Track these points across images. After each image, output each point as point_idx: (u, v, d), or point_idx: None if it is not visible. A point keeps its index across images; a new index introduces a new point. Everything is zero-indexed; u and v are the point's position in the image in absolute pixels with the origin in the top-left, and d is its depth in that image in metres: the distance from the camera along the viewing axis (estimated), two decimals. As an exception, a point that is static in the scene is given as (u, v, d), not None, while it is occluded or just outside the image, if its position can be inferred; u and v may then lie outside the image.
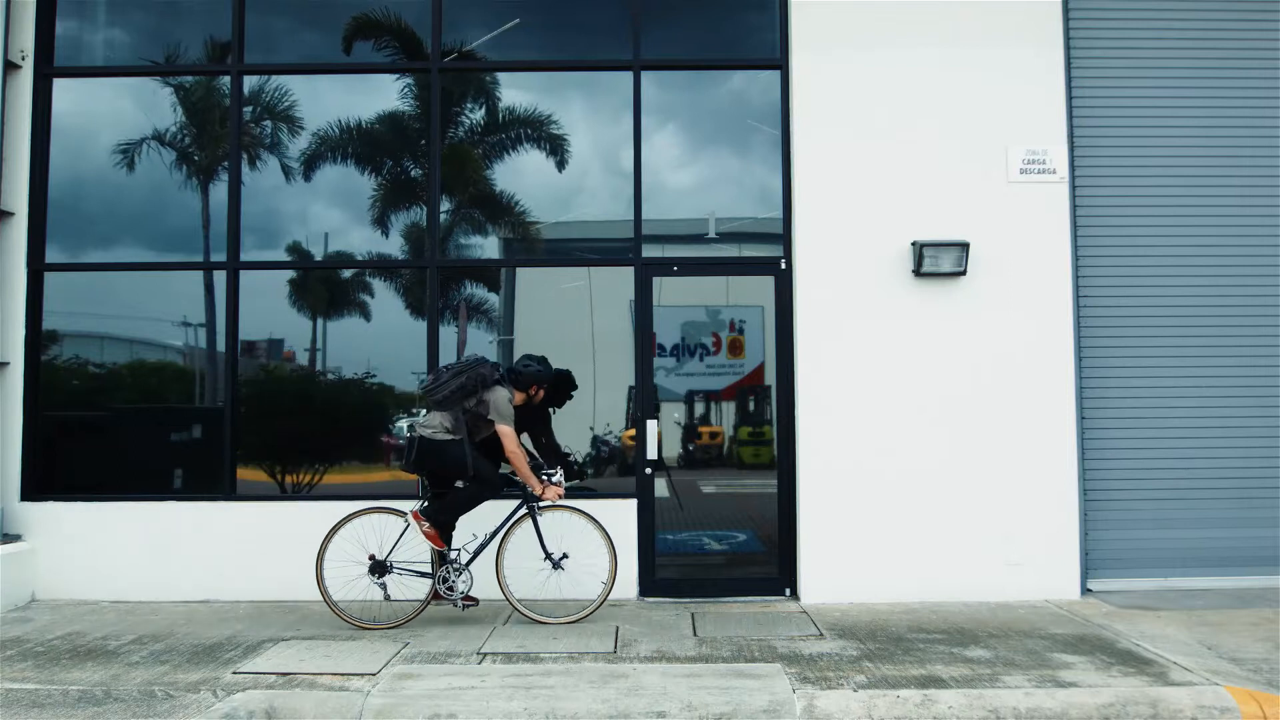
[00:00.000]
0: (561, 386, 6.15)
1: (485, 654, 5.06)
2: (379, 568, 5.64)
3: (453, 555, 5.67)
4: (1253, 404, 6.60)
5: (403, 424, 6.87)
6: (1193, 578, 6.49)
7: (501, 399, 5.56)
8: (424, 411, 6.62)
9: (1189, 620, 5.70)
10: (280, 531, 6.39)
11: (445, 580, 5.63)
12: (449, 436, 5.55)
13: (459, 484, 5.67)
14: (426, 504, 5.64)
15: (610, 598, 5.94)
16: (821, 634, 5.47)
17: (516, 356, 6.87)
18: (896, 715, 4.27)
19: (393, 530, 5.67)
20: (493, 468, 5.66)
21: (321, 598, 5.64)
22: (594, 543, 5.72)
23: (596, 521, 5.74)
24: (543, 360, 5.87)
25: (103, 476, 6.66)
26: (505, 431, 5.55)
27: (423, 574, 5.64)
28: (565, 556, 5.76)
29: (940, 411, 6.33)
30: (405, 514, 5.65)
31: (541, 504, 5.72)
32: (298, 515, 6.45)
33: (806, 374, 6.38)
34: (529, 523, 5.73)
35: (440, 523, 5.57)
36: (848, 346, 6.37)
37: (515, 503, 5.74)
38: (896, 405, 6.34)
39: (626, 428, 6.71)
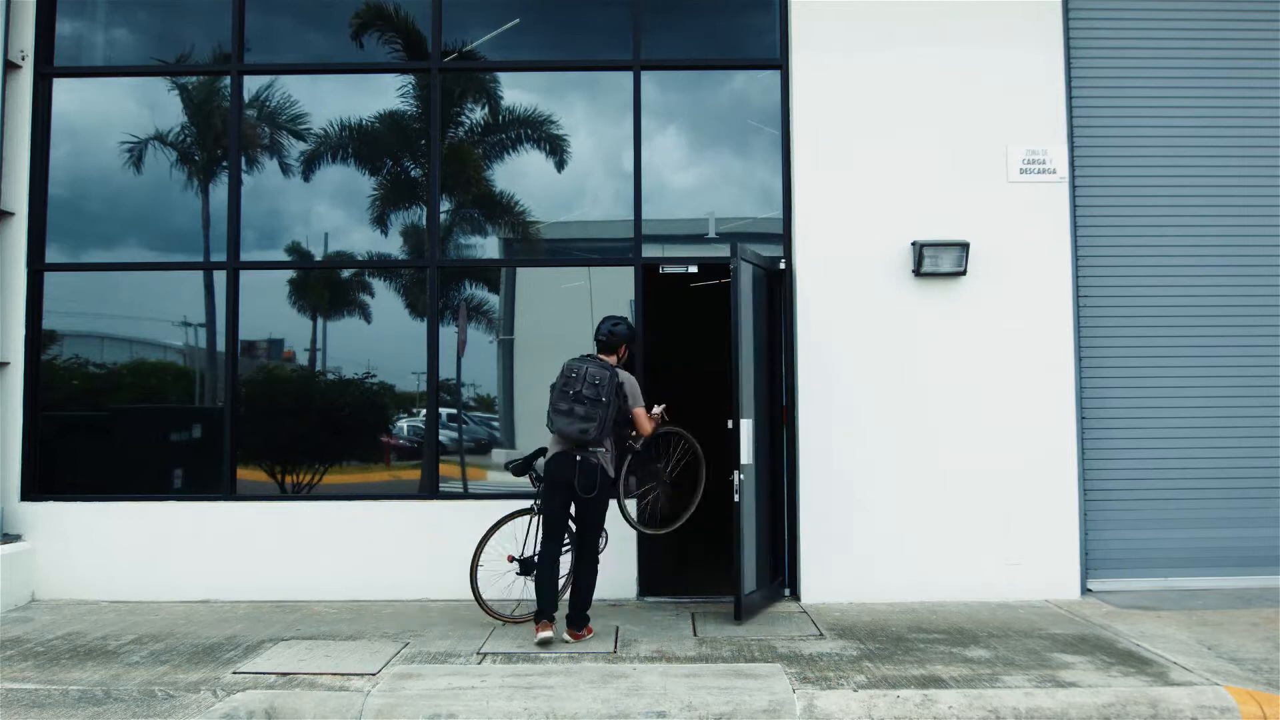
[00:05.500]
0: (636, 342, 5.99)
1: (485, 654, 5.06)
2: (528, 566, 5.49)
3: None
4: (1253, 404, 6.60)
5: (403, 424, 6.88)
6: (1193, 578, 6.49)
7: (635, 387, 5.45)
8: (419, 412, 6.66)
9: (1189, 620, 5.70)
10: (280, 531, 6.40)
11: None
12: (614, 474, 5.43)
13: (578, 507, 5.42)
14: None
15: (610, 598, 5.96)
16: (821, 634, 5.47)
17: (517, 356, 6.93)
18: (896, 715, 4.27)
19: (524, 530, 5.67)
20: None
21: (473, 597, 5.59)
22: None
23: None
24: (622, 319, 5.61)
25: (103, 476, 6.66)
26: (640, 413, 5.42)
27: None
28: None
29: (940, 411, 6.33)
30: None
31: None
32: (297, 515, 6.47)
33: (806, 373, 6.38)
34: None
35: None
36: (847, 346, 6.37)
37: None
38: (896, 405, 6.33)
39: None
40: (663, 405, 5.65)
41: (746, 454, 5.66)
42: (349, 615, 5.95)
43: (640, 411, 5.42)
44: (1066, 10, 6.59)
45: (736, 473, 5.63)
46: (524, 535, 5.61)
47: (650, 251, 6.65)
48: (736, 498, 5.62)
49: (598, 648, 5.16)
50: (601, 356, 5.49)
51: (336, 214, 6.96)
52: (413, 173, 6.97)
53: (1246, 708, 4.30)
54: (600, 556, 5.47)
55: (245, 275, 6.70)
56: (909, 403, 6.34)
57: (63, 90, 6.86)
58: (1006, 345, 6.37)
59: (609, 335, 5.49)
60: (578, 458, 5.25)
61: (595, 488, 5.24)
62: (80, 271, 6.81)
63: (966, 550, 6.25)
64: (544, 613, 5.22)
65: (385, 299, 6.91)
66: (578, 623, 5.31)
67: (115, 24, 7.08)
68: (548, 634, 5.16)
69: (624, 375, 5.39)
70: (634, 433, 5.49)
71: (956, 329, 6.38)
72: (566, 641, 5.23)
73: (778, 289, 6.52)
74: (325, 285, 6.93)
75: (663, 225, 6.78)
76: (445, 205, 6.86)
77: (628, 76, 6.71)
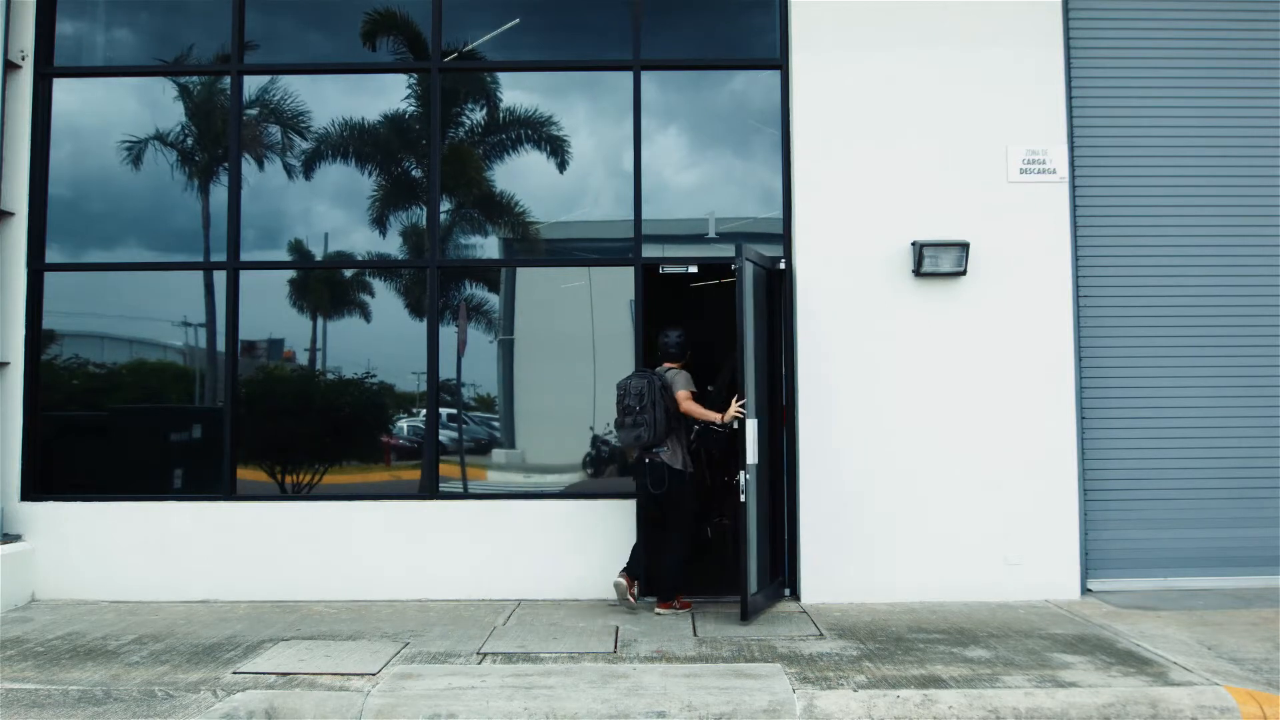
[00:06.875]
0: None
1: (485, 654, 5.06)
2: None
3: None
4: (1253, 404, 6.60)
5: (403, 424, 6.88)
6: (1193, 578, 6.48)
7: (681, 377, 6.00)
8: (419, 412, 6.67)
9: (1189, 620, 5.70)
10: (280, 531, 6.40)
11: None
12: (681, 467, 5.92)
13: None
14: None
15: (610, 597, 5.97)
16: (821, 634, 5.47)
17: (517, 356, 6.93)
18: (896, 715, 4.27)
19: None
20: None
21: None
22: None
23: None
24: (681, 331, 6.17)
25: (103, 476, 6.66)
26: (682, 395, 5.88)
27: None
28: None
29: (940, 411, 6.33)
30: None
31: None
32: (297, 515, 6.47)
33: (806, 374, 6.38)
34: None
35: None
36: (847, 345, 6.37)
37: None
38: (896, 405, 6.33)
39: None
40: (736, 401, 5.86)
41: (753, 454, 5.74)
42: (349, 615, 5.95)
43: (680, 394, 5.90)
44: (1066, 10, 6.59)
45: (743, 473, 5.68)
46: None
47: (650, 251, 6.65)
48: (743, 497, 5.67)
49: (597, 647, 5.16)
50: (666, 365, 6.09)
51: (336, 214, 6.96)
52: (413, 173, 6.97)
53: (1246, 708, 4.30)
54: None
55: (245, 275, 6.70)
56: (909, 403, 6.34)
57: (63, 90, 6.86)
58: (1006, 345, 6.37)
59: (676, 346, 6.12)
60: (646, 460, 5.90)
61: (664, 483, 5.84)
62: (80, 271, 6.81)
63: (966, 550, 6.25)
64: (628, 567, 5.99)
65: (385, 299, 6.91)
66: (661, 594, 5.93)
67: (115, 24, 7.08)
68: (620, 580, 5.90)
69: (670, 374, 5.99)
70: (697, 426, 6.01)
71: (956, 329, 6.38)
72: (652, 609, 5.89)
73: (778, 289, 6.52)
74: (325, 285, 6.93)
75: (663, 225, 6.78)
76: (445, 205, 6.86)
77: (628, 76, 6.71)
